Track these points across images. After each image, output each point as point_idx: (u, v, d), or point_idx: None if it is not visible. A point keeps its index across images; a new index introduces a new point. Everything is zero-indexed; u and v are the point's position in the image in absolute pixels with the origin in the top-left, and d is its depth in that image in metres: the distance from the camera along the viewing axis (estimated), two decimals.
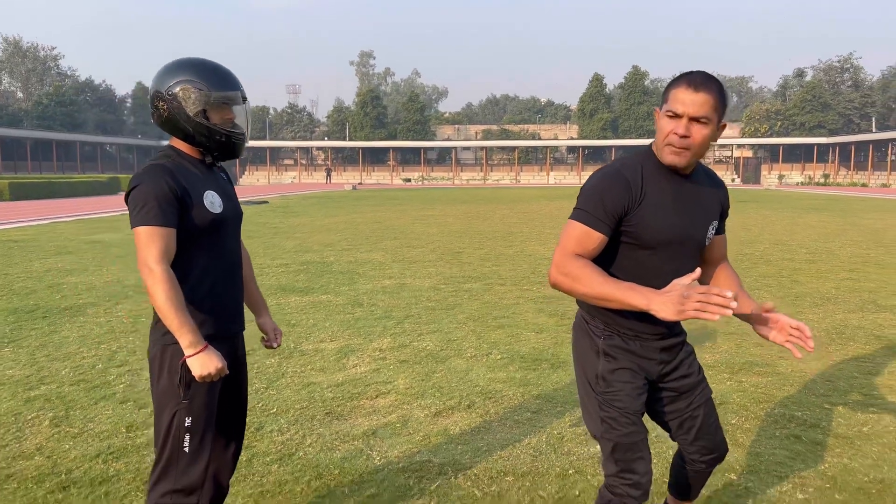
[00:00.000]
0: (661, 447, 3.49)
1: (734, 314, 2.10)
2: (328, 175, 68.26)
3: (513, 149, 76.30)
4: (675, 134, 1.95)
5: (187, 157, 2.19)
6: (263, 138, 78.55)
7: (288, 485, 3.14)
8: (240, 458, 3.10)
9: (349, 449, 3.53)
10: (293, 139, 79.98)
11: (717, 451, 2.27)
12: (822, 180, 65.22)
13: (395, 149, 75.67)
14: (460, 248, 12.32)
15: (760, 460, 3.41)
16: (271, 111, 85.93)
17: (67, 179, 37.06)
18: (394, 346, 5.52)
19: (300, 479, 3.19)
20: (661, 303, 1.75)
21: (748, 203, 28.76)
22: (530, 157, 78.18)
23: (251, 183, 71.47)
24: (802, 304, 7.21)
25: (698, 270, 1.82)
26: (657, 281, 1.99)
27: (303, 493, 3.06)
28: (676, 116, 1.94)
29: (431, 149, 78.11)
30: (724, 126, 2.03)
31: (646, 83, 75.93)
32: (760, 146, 72.73)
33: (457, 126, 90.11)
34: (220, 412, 2.33)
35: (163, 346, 2.13)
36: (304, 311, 6.84)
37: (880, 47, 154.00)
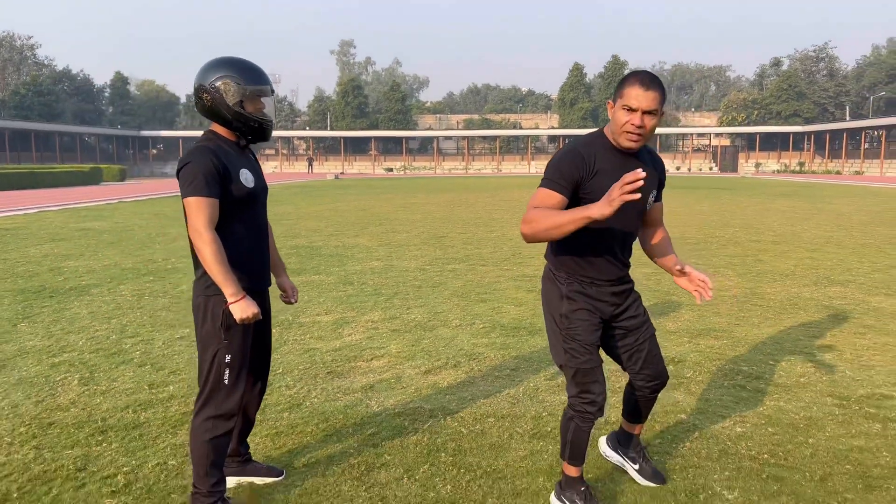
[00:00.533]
0: (619, 382, 4.00)
1: (659, 265, 2.81)
2: (310, 165, 68.31)
3: (494, 138, 76.82)
4: (633, 124, 2.44)
5: (225, 140, 2.63)
6: None
7: (299, 427, 3.60)
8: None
9: (350, 399, 4.00)
10: (274, 129, 79.75)
11: (660, 378, 2.77)
12: (797, 168, 66.44)
13: (377, 138, 75.87)
14: (444, 233, 12.79)
15: (708, 404, 3.93)
16: None
17: (50, 169, 36.96)
18: (385, 318, 5.99)
19: (309, 423, 3.65)
20: (597, 206, 2.21)
21: (723, 190, 29.50)
22: (512, 147, 78.73)
23: None
24: (762, 280, 7.77)
25: (639, 172, 2.21)
26: (609, 237, 2.53)
27: (312, 434, 3.52)
28: (632, 110, 2.43)
29: (413, 138, 78.38)
30: (664, 114, 2.53)
31: (625, 72, 76.60)
32: (738, 135, 73.87)
33: (438, 115, 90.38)
34: (250, 355, 2.79)
35: (206, 296, 2.58)
36: (299, 289, 7.28)
37: (855, 37, 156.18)
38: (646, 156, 2.66)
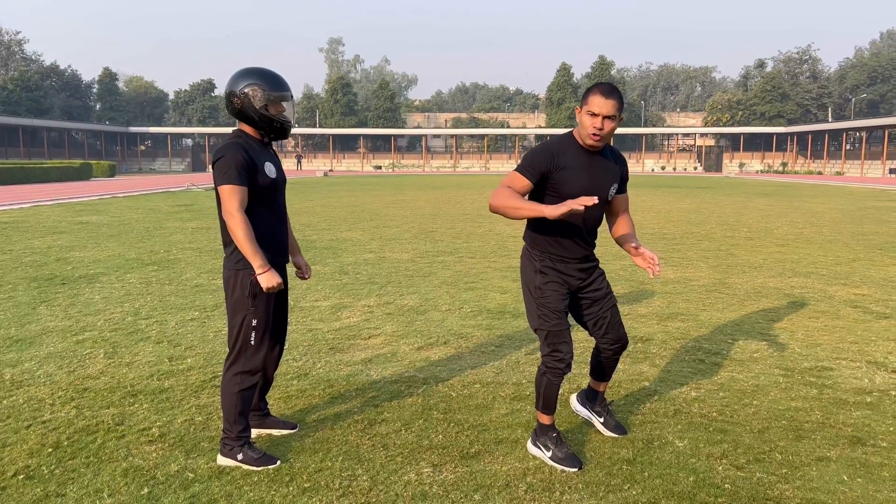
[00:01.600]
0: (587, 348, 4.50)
1: (622, 247, 3.29)
2: (299, 162, 68.57)
3: (482, 137, 77.38)
4: (595, 127, 2.97)
5: (252, 138, 3.10)
6: (233, 125, 78.32)
7: (307, 392, 4.08)
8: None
9: (351, 370, 4.48)
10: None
11: (620, 341, 3.27)
12: (780, 168, 67.48)
13: (366, 136, 76.24)
14: (433, 228, 13.27)
15: (669, 374, 4.44)
16: None
17: (40, 165, 37.08)
18: (380, 304, 6.46)
19: (316, 388, 4.13)
20: (550, 209, 2.76)
21: (705, 189, 30.18)
22: (499, 145, 79.33)
23: None
24: (732, 272, 8.31)
25: (594, 199, 2.75)
26: (571, 225, 3.07)
27: (319, 397, 4.00)
28: (595, 115, 2.95)
29: (402, 136, 78.81)
30: (622, 118, 3.03)
31: (612, 73, 77.39)
32: (722, 135, 74.87)
33: (427, 114, 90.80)
34: (272, 321, 3.26)
35: (235, 270, 3.05)
36: (296, 278, 7.72)
37: (838, 40, 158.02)
38: (608, 154, 3.16)
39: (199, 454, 3.21)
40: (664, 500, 2.84)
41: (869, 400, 3.99)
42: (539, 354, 4.81)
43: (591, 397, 3.56)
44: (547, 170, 3.00)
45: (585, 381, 4.20)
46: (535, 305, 3.14)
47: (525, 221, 3.20)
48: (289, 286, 3.44)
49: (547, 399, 3.17)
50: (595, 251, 3.27)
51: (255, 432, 3.44)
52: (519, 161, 3.06)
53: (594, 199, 2.67)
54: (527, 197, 3.03)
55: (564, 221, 3.06)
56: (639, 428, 3.57)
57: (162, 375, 4.35)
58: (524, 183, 3.00)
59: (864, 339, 5.27)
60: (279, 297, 3.28)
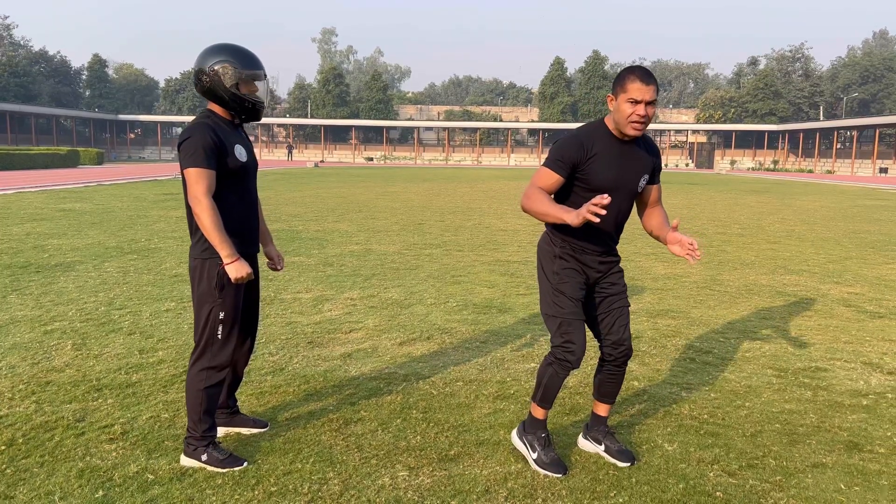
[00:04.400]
0: (591, 364, 4.34)
1: (656, 238, 3.11)
2: (290, 152, 68.11)
3: (475, 130, 77.09)
4: (638, 114, 2.78)
5: (221, 118, 2.90)
6: None
7: (281, 388, 3.89)
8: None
9: (329, 365, 4.30)
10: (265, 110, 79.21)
11: (624, 345, 3.02)
12: (771, 166, 67.60)
13: (358, 127, 75.78)
14: (422, 220, 13.08)
15: (659, 374, 4.28)
16: None
17: (26, 151, 36.59)
18: (363, 297, 6.28)
19: (291, 384, 3.95)
20: (571, 215, 2.57)
21: (697, 185, 30.10)
22: (492, 139, 79.05)
23: None
24: (723, 269, 8.18)
25: (606, 198, 2.54)
26: (603, 214, 2.85)
27: (294, 393, 3.82)
28: (637, 102, 2.77)
29: (394, 128, 78.41)
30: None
31: (605, 68, 77.24)
32: (714, 132, 74.87)
33: (419, 106, 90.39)
34: (241, 313, 3.07)
35: (202, 259, 2.86)
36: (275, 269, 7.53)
37: (831, 39, 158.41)
38: (641, 143, 2.97)
39: (162, 454, 3.03)
40: None
41: (865, 403, 3.85)
42: (523, 352, 4.64)
43: (590, 424, 3.25)
44: (577, 161, 2.83)
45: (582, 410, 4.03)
46: (550, 291, 2.97)
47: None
48: (265, 278, 3.26)
49: (547, 392, 2.99)
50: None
51: (222, 431, 3.26)
52: (547, 154, 2.90)
53: (606, 199, 2.45)
54: (553, 195, 2.89)
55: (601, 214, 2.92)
56: (626, 430, 3.41)
57: (130, 369, 4.15)
58: (554, 179, 2.84)
59: (859, 339, 5.13)
60: (249, 289, 3.10)
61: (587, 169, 2.84)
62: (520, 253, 9.08)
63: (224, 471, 2.87)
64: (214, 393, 2.94)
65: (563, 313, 2.92)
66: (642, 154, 2.95)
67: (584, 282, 2.99)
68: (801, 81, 77.54)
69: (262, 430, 3.30)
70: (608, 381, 3.15)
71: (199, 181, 2.74)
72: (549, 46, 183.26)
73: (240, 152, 2.89)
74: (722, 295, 6.65)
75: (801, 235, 11.69)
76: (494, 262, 8.27)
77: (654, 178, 3.07)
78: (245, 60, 2.85)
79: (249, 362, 4.28)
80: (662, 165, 3.03)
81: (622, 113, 2.79)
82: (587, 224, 2.91)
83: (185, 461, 2.93)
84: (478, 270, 7.72)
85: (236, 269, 2.79)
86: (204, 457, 2.90)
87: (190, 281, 2.95)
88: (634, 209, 3.25)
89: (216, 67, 2.82)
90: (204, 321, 2.89)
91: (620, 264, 3.16)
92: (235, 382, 3.30)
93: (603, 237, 2.97)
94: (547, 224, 3.04)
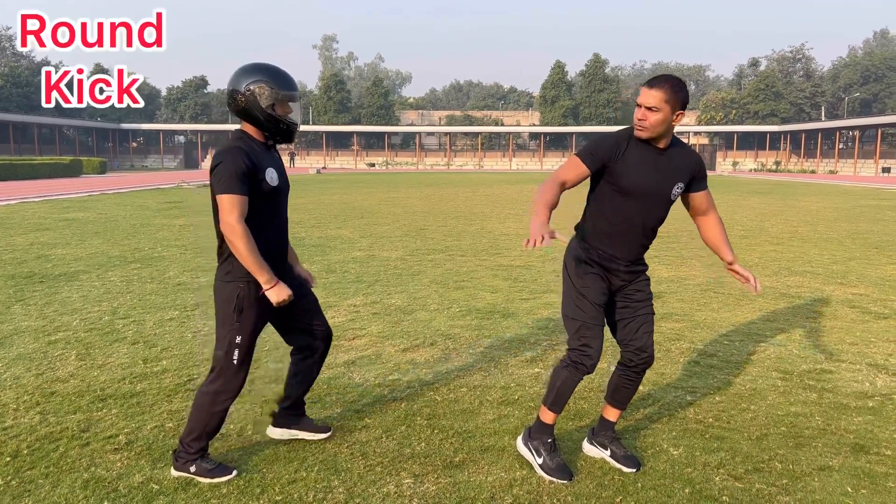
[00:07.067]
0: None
1: (713, 251, 3.20)
2: (292, 159, 68.18)
3: (476, 135, 77.18)
4: (636, 117, 2.85)
5: (254, 140, 2.88)
6: (225, 122, 77.95)
7: None
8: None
9: (333, 373, 4.29)
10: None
11: (646, 352, 3.01)
12: (773, 167, 67.49)
13: (359, 133, 75.89)
14: (425, 225, 13.09)
15: (663, 378, 4.27)
16: None
17: (29, 161, 36.72)
18: (366, 303, 6.28)
19: None
20: (533, 222, 2.60)
21: None
22: (493, 143, 79.14)
23: None
24: (727, 271, 8.15)
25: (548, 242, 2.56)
26: (632, 222, 2.93)
27: None
28: (639, 106, 2.83)
29: (395, 134, 78.54)
30: (681, 114, 2.82)
31: (606, 71, 77.33)
32: (716, 134, 74.85)
33: (421, 111, 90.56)
34: (305, 326, 3.09)
35: (224, 282, 2.86)
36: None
37: (832, 39, 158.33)
38: (677, 150, 2.96)
39: (167, 464, 3.03)
40: None
41: (871, 405, 3.83)
42: (527, 357, 4.64)
43: (597, 428, 3.23)
44: (609, 158, 2.86)
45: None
46: (574, 293, 2.98)
47: (583, 210, 3.07)
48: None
49: (559, 396, 2.98)
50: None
51: (285, 434, 3.26)
52: (573, 152, 2.92)
53: (547, 243, 2.49)
54: (572, 187, 2.91)
55: (621, 220, 2.93)
56: (631, 435, 3.40)
57: (135, 378, 4.16)
58: (581, 170, 2.86)
59: (864, 341, 5.12)
60: (275, 311, 3.02)
61: (617, 169, 2.86)
62: (522, 258, 9.08)
63: (213, 480, 2.86)
64: (221, 416, 2.95)
65: (584, 317, 2.93)
66: (679, 162, 2.95)
67: (607, 287, 3.00)
68: (803, 82, 77.50)
69: (326, 434, 3.28)
70: (625, 387, 3.14)
71: (233, 209, 2.71)
72: (550, 50, 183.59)
73: (272, 176, 2.87)
74: (726, 297, 6.64)
75: (804, 236, 11.66)
76: (497, 267, 8.27)
77: (696, 185, 3.03)
78: (281, 81, 2.85)
79: (253, 371, 4.30)
80: (705, 173, 3.02)
81: (634, 115, 2.88)
82: (620, 232, 2.95)
83: (175, 473, 2.92)
84: (481, 275, 7.72)
85: (277, 294, 2.79)
86: (192, 468, 2.90)
87: (214, 302, 2.94)
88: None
89: (252, 87, 2.81)
90: (222, 344, 2.89)
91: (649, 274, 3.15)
92: (307, 386, 3.29)
93: (632, 245, 2.98)
94: (578, 228, 3.09)
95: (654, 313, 3.08)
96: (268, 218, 2.89)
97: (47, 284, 6.99)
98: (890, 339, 5.18)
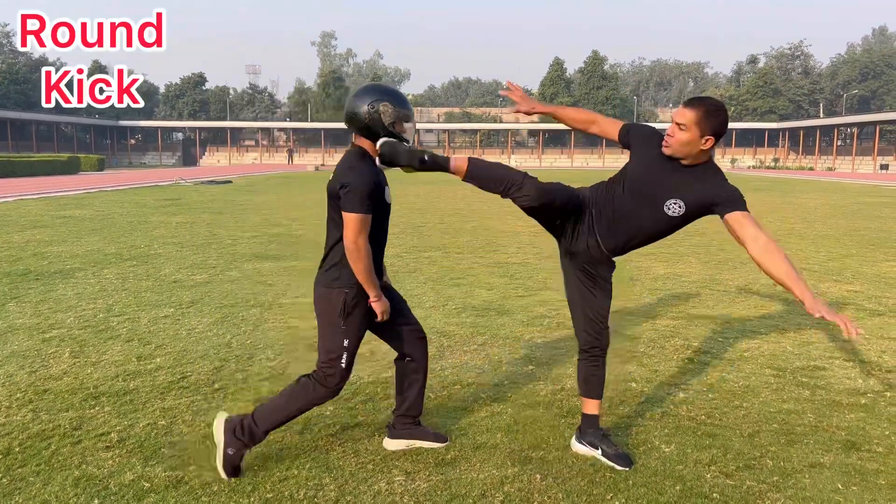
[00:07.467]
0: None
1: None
2: (290, 156, 68.17)
3: (475, 132, 77.17)
4: (667, 132, 2.86)
5: (370, 157, 2.96)
6: (224, 119, 77.86)
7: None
8: (237, 377, 3.85)
9: None
10: (254, 120, 79.47)
11: (600, 338, 3.12)
12: (772, 164, 67.49)
13: None
14: (422, 222, 13.08)
15: (657, 374, 4.27)
16: (231, 91, 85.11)
17: (27, 158, 36.68)
18: None
19: None
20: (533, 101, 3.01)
21: None
22: (492, 140, 79.16)
23: (211, 164, 70.98)
24: (723, 268, 8.17)
25: None
26: (612, 204, 2.97)
27: None
28: (671, 122, 2.85)
29: None
30: (710, 140, 2.77)
31: (605, 68, 77.30)
32: None
33: (419, 108, 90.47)
34: (388, 323, 3.09)
35: (328, 289, 2.94)
36: (279, 273, 7.55)
37: (831, 35, 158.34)
38: (699, 172, 2.86)
39: (158, 461, 3.03)
40: None
41: (863, 402, 3.84)
42: (520, 354, 4.64)
43: (583, 427, 3.20)
44: (637, 142, 2.99)
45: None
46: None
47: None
48: (264, 283, 3.26)
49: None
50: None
51: (403, 444, 3.20)
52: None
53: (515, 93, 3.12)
54: (606, 131, 3.15)
55: (609, 204, 3.00)
56: (623, 432, 3.40)
57: (128, 376, 4.15)
58: (617, 126, 3.07)
59: (857, 338, 5.12)
60: (374, 318, 3.07)
61: (631, 153, 3.00)
62: (519, 255, 9.08)
63: (225, 479, 2.87)
64: (305, 412, 3.07)
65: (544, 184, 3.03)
66: (690, 181, 2.83)
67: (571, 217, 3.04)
68: (801, 79, 77.54)
69: (442, 444, 3.24)
70: (588, 374, 3.18)
71: (362, 228, 2.82)
72: (549, 47, 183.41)
73: (388, 194, 3.01)
74: (721, 294, 6.65)
75: (801, 233, 11.67)
76: (494, 265, 8.27)
77: (721, 209, 2.82)
78: (401, 101, 2.97)
79: (248, 368, 4.30)
80: (726, 198, 2.84)
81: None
82: (603, 208, 3.00)
83: (225, 456, 2.89)
84: (477, 273, 7.72)
85: (382, 307, 2.95)
86: (231, 451, 2.89)
87: (315, 308, 3.01)
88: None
89: (377, 106, 2.90)
90: (329, 349, 2.95)
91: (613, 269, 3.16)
92: (417, 390, 3.27)
93: (611, 229, 2.98)
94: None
95: (609, 299, 3.12)
96: (376, 233, 2.97)
97: (42, 282, 6.98)
98: (884, 336, 5.19)
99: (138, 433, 3.33)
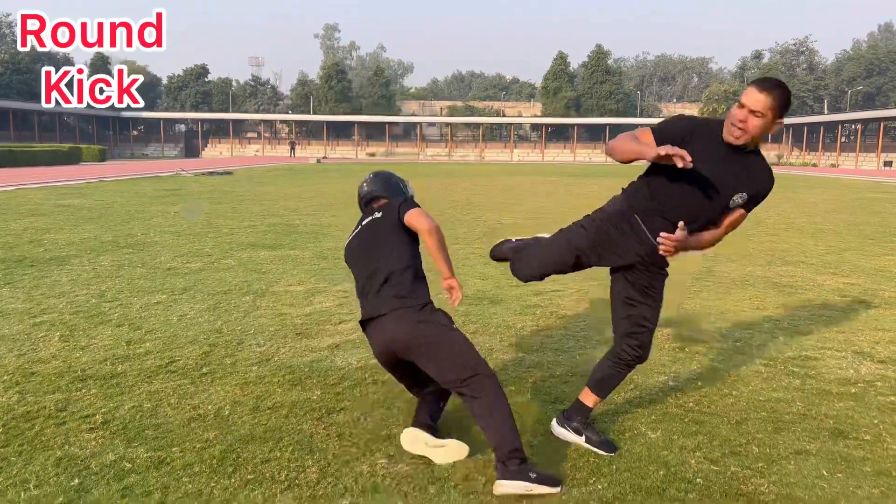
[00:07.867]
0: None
1: None
2: (292, 148, 68.11)
3: (478, 125, 77.03)
4: (737, 118, 2.68)
5: None
6: (226, 111, 77.80)
7: (266, 378, 3.88)
8: (226, 362, 3.85)
9: (316, 356, 4.28)
10: (256, 112, 79.40)
11: (643, 349, 3.10)
12: (775, 160, 67.27)
13: (360, 123, 75.73)
14: None
15: (648, 364, 4.19)
16: (234, 83, 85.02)
17: (29, 149, 36.70)
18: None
19: (276, 374, 3.93)
20: (651, 151, 2.60)
21: None
22: (495, 134, 79.02)
23: (214, 156, 70.97)
24: (720, 260, 8.13)
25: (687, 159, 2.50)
26: (676, 208, 2.79)
27: (279, 383, 3.80)
28: (742, 107, 2.67)
29: (396, 124, 78.36)
30: (780, 123, 2.69)
31: (609, 62, 77.05)
32: None
33: (422, 102, 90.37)
34: None
35: (427, 311, 3.08)
36: (273, 262, 7.54)
37: (836, 31, 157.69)
38: (749, 158, 2.78)
39: (141, 443, 3.02)
40: (631, 494, 2.66)
41: (853, 391, 3.82)
42: (511, 343, 4.62)
43: (572, 412, 3.17)
44: (672, 140, 2.65)
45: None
46: (578, 224, 3.09)
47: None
48: (258, 271, 3.25)
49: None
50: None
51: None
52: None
53: (687, 161, 2.45)
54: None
55: (667, 200, 2.81)
56: (610, 419, 3.39)
57: (116, 360, 4.15)
58: (649, 138, 2.75)
59: (851, 329, 5.10)
60: None
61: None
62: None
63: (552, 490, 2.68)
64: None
65: (552, 244, 3.20)
66: (751, 172, 2.78)
67: (600, 248, 2.96)
68: (806, 75, 77.23)
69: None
70: (611, 378, 3.17)
71: (428, 214, 3.25)
72: (553, 41, 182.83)
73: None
74: (716, 286, 6.62)
75: (800, 227, 11.63)
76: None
77: (745, 204, 2.85)
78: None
79: (237, 353, 4.29)
80: (766, 196, 2.88)
81: (730, 115, 2.71)
82: (658, 213, 2.82)
83: (510, 486, 2.65)
84: (472, 263, 7.70)
85: (458, 282, 3.51)
86: (532, 475, 2.67)
87: (416, 343, 2.96)
88: None
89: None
90: (469, 360, 2.88)
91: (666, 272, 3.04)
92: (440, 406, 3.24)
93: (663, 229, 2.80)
94: (629, 193, 2.97)
95: (658, 313, 3.03)
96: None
97: (37, 268, 6.98)
98: (877, 327, 5.16)
99: (123, 415, 3.32)
